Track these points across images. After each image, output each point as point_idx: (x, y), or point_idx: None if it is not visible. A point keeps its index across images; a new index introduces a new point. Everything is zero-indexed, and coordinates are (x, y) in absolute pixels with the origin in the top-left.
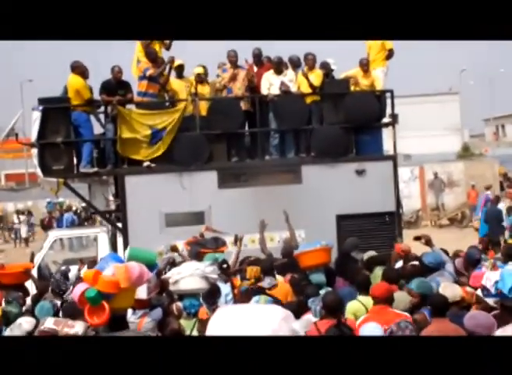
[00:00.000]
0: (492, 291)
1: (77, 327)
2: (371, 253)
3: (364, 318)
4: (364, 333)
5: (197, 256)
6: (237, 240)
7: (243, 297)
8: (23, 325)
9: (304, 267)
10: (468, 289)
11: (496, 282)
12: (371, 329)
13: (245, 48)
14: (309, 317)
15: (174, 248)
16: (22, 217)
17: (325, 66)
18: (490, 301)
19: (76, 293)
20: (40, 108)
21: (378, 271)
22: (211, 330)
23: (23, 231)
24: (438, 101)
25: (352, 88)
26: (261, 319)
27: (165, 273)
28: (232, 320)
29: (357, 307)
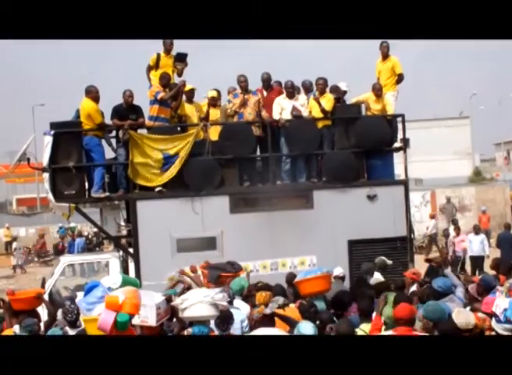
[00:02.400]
0: (502, 318)
1: None
2: (377, 278)
3: None
4: None
5: (218, 281)
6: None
7: (265, 322)
8: None
9: (304, 295)
10: (480, 315)
11: (505, 310)
12: None
13: (254, 73)
14: None
15: (183, 272)
16: (14, 244)
17: (336, 90)
18: (500, 327)
19: (107, 323)
20: (52, 132)
21: (390, 297)
22: None
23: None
24: (448, 125)
25: (364, 112)
26: None
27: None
28: None
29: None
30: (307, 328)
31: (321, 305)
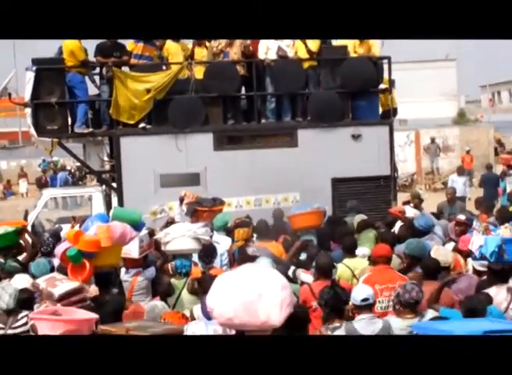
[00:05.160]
0: (477, 255)
1: (58, 288)
2: (361, 217)
3: (367, 276)
4: (359, 296)
5: (194, 215)
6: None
7: (240, 256)
8: (18, 281)
9: (296, 229)
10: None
11: (481, 246)
12: (364, 291)
13: None
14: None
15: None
16: None
17: None
18: (477, 264)
19: (58, 252)
20: (34, 68)
21: (367, 234)
22: (216, 295)
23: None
24: (435, 67)
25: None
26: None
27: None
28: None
29: (342, 269)
30: (264, 263)
31: (312, 239)
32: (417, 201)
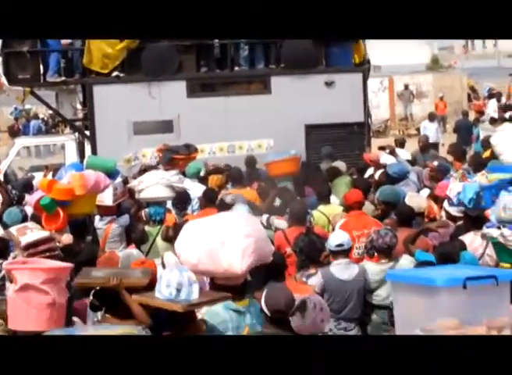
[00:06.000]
0: (455, 201)
1: (26, 237)
2: (339, 164)
3: (344, 222)
4: (334, 241)
5: (170, 163)
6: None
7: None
8: None
9: (273, 176)
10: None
11: (459, 193)
12: (339, 236)
13: None
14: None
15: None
16: None
17: None
18: (453, 210)
19: (31, 201)
20: None
21: (339, 180)
22: (183, 241)
23: None
24: None
25: None
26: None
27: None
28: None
29: (317, 216)
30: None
31: (289, 186)
32: (392, 148)
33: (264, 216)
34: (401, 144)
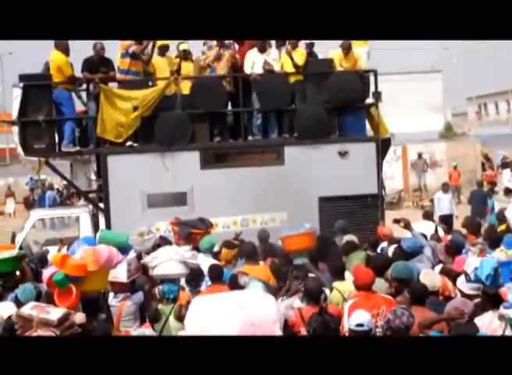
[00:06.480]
0: (472, 277)
1: (53, 314)
2: (350, 237)
3: (353, 303)
4: (354, 321)
5: (188, 238)
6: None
7: (231, 283)
8: (3, 308)
9: (289, 251)
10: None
11: (476, 269)
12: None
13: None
14: (295, 301)
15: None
16: None
17: (309, 46)
18: (467, 287)
19: (44, 277)
20: (21, 85)
21: (354, 255)
22: (191, 319)
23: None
24: (420, 79)
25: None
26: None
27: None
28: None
29: (332, 294)
30: (256, 286)
31: (304, 262)
32: (407, 221)
33: (280, 300)
34: (429, 216)
